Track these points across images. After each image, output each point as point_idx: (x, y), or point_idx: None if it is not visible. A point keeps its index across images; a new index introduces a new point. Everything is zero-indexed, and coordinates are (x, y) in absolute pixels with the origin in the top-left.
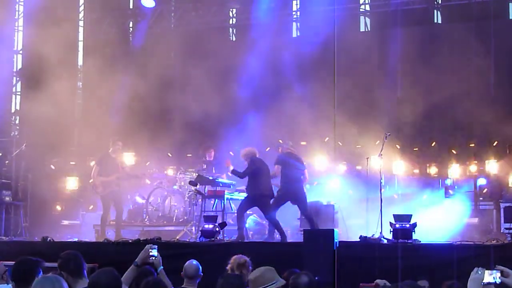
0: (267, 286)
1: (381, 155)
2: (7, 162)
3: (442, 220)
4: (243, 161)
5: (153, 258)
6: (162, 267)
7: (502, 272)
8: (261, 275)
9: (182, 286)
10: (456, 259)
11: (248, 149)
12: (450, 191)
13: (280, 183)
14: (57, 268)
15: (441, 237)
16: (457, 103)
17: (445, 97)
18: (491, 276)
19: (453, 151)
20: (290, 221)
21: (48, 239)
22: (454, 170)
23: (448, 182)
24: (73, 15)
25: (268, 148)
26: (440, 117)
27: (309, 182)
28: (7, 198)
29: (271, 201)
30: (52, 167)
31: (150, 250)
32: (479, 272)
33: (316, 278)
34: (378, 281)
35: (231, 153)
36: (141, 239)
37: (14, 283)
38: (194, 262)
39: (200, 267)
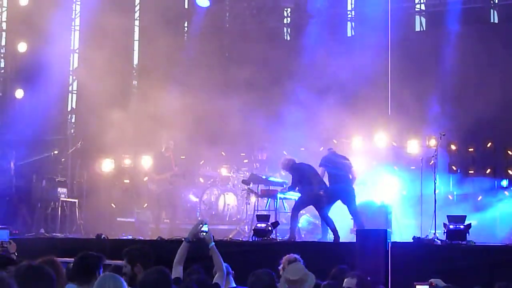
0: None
1: (436, 155)
2: (63, 160)
3: (497, 221)
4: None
5: (204, 233)
6: (213, 243)
7: None
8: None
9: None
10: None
11: (284, 160)
12: (506, 193)
13: (328, 183)
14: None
15: (496, 239)
16: None
17: (502, 97)
18: None
19: (509, 152)
20: (344, 220)
21: (103, 236)
22: (510, 171)
23: (504, 183)
24: (129, 15)
25: (322, 148)
26: (496, 117)
27: (362, 182)
28: (62, 196)
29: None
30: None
31: (200, 225)
32: None
33: (369, 278)
34: (432, 280)
35: (284, 152)
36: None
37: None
38: None
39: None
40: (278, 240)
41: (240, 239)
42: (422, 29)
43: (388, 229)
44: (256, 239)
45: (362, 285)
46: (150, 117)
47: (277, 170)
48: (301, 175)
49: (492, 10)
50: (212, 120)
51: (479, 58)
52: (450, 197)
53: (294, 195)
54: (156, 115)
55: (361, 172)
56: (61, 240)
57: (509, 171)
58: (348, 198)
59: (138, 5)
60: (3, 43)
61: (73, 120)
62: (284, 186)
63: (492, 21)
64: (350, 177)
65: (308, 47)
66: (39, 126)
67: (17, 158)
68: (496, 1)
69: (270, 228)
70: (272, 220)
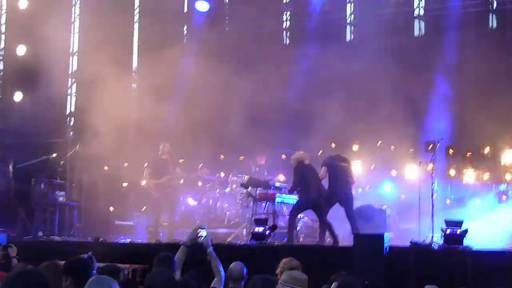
0: None
1: (434, 159)
2: (62, 162)
3: (495, 226)
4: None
5: (202, 238)
6: (211, 248)
7: None
8: None
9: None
10: (508, 266)
11: (295, 155)
12: (504, 197)
13: (328, 185)
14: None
15: (494, 244)
16: None
17: (503, 101)
18: None
19: (506, 156)
20: (342, 224)
21: (100, 239)
22: (508, 175)
23: (502, 187)
24: (128, 17)
25: (321, 151)
26: (493, 121)
27: (361, 185)
28: (61, 199)
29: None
30: (106, 168)
31: (199, 230)
32: None
33: (366, 282)
34: (428, 286)
35: (283, 156)
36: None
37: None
38: (240, 263)
39: (245, 269)
40: (276, 244)
41: (238, 242)
42: (421, 34)
43: (386, 233)
44: (254, 242)
45: None
46: (150, 120)
47: (276, 173)
48: (301, 178)
49: (491, 15)
50: (211, 124)
51: (478, 62)
52: (448, 202)
53: (293, 199)
54: (156, 118)
55: (360, 176)
56: (59, 243)
57: (507, 176)
58: (346, 202)
59: (138, 8)
60: (2, 46)
61: (72, 123)
62: (282, 189)
63: (490, 25)
64: (349, 180)
65: (307, 51)
66: (38, 129)
67: (16, 161)
68: (495, 6)
69: (268, 231)
70: (270, 223)
